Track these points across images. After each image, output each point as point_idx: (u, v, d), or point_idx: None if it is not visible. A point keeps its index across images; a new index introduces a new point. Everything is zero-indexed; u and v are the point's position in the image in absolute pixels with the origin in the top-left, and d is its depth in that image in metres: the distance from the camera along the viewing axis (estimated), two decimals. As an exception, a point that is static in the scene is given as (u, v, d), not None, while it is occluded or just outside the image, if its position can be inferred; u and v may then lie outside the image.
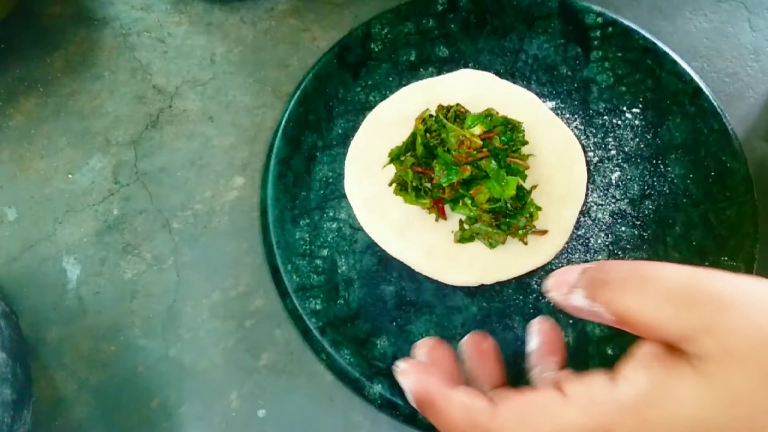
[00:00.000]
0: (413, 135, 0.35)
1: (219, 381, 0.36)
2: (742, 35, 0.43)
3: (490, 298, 0.35)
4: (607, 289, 0.21)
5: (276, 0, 0.45)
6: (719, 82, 0.42)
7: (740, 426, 0.17)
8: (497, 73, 0.39)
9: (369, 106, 0.39)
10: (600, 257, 0.36)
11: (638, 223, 0.36)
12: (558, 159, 0.37)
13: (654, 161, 0.38)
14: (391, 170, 0.36)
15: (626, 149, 0.38)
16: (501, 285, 0.35)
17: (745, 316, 0.18)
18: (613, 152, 0.38)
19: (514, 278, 0.35)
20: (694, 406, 0.18)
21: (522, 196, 0.34)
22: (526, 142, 0.35)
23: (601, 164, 0.38)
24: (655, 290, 0.19)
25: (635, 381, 0.19)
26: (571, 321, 0.34)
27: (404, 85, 0.39)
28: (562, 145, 0.37)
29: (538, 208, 0.35)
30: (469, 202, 0.34)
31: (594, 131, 0.38)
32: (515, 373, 0.33)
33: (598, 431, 0.19)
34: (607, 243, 0.36)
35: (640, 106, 0.39)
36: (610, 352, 0.34)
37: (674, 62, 0.38)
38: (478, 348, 0.28)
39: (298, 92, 0.38)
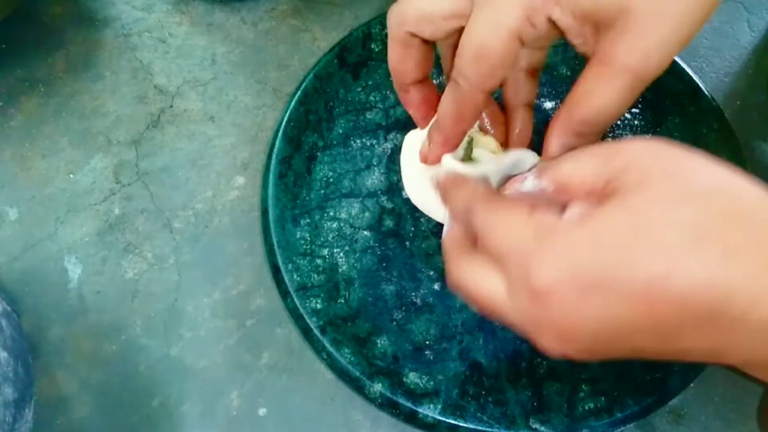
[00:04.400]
0: None
1: (220, 380, 0.36)
2: (741, 35, 0.44)
3: (490, 297, 0.35)
4: (550, 166, 0.23)
5: (277, 0, 0.45)
6: (718, 81, 0.43)
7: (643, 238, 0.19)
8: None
9: (369, 107, 0.39)
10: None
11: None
12: None
13: (653, 161, 0.38)
14: None
15: (626, 149, 0.38)
16: None
17: (656, 156, 0.21)
18: (613, 152, 0.38)
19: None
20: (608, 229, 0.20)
21: None
22: None
23: (600, 164, 0.38)
24: (586, 154, 0.23)
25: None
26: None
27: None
28: None
29: None
30: None
31: (593, 131, 0.39)
32: (515, 373, 0.33)
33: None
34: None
35: (639, 106, 0.39)
36: (609, 351, 0.34)
37: (673, 62, 0.38)
38: None
39: (299, 92, 0.38)
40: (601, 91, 0.24)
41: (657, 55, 0.23)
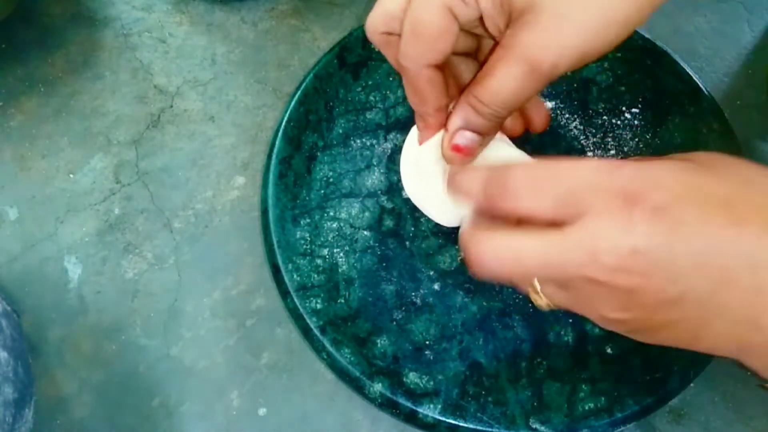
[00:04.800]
0: None
1: (220, 380, 0.36)
2: (741, 35, 0.44)
3: (490, 297, 0.35)
4: (503, 199, 0.24)
5: (277, 0, 0.45)
6: (718, 82, 0.43)
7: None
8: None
9: (369, 106, 0.39)
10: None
11: (638, 222, 0.36)
12: None
13: (653, 161, 0.38)
14: None
15: (626, 149, 0.38)
16: (501, 284, 0.35)
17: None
18: (613, 152, 0.38)
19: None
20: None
21: None
22: None
23: (600, 164, 0.38)
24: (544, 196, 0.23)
25: None
26: (570, 320, 0.34)
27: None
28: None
29: None
30: None
31: (593, 131, 0.39)
32: (515, 373, 0.34)
33: None
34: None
35: (640, 106, 0.39)
36: (609, 351, 0.34)
37: (673, 62, 0.38)
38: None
39: (299, 92, 0.38)
40: (498, 74, 0.25)
41: (553, 54, 0.24)
